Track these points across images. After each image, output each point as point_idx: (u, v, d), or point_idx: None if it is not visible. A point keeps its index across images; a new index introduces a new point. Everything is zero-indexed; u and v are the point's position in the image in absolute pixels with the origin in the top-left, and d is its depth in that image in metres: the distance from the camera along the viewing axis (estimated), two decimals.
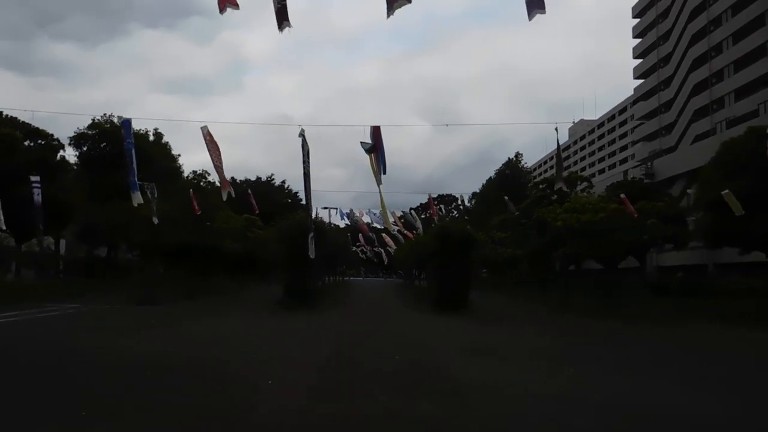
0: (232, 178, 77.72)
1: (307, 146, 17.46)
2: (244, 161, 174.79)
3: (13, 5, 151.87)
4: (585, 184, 37.67)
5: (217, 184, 49.98)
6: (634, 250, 24.23)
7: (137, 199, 20.86)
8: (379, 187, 16.70)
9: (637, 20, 74.47)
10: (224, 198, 18.25)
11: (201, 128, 16.91)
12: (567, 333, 16.85)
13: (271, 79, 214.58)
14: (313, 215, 32.48)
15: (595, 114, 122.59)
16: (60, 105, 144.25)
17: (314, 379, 8.82)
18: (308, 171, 17.61)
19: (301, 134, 17.31)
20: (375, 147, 15.62)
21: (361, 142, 16.14)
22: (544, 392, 8.05)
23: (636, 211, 22.79)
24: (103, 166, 32.22)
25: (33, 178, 24.64)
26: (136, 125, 31.88)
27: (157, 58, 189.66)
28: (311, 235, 17.76)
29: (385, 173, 16.15)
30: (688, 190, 34.98)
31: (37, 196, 24.62)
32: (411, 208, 53.02)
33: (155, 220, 23.20)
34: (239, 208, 38.56)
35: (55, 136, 33.41)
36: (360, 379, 8.93)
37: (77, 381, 8.32)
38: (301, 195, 56.58)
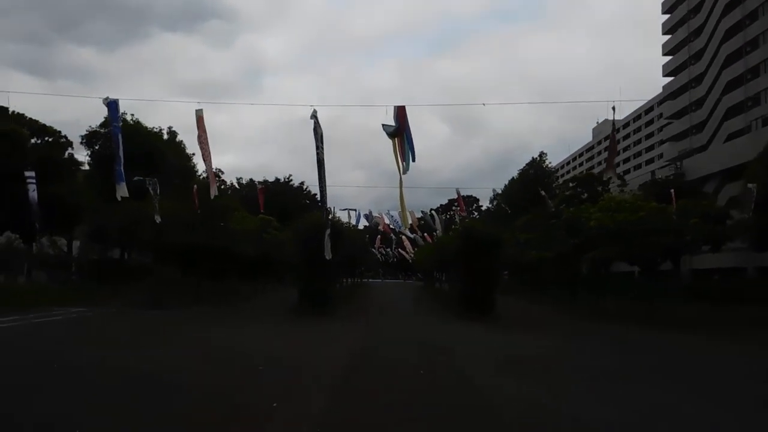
0: (251, 179, 78.20)
1: (321, 129, 15.22)
2: (265, 164, 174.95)
3: (34, 10, 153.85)
4: (618, 182, 35.66)
5: (228, 183, 49.31)
6: (672, 252, 22.41)
7: (122, 191, 19.34)
8: (401, 178, 14.62)
9: (667, 16, 72.12)
10: (212, 194, 16.16)
11: (196, 111, 15.19)
12: (611, 343, 15.22)
13: (289, 83, 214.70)
14: (331, 216, 31.52)
15: (620, 114, 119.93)
16: (79, 109, 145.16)
17: (327, 401, 7.42)
18: (322, 158, 15.36)
19: (314, 116, 15.22)
20: (399, 130, 13.68)
21: (383, 125, 14.15)
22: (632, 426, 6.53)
23: (676, 210, 21.07)
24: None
25: (27, 174, 23.58)
26: (151, 123, 30.65)
27: (176, 62, 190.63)
28: (328, 232, 16.01)
29: (414, 160, 14.05)
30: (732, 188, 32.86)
31: (32, 192, 23.54)
32: (431, 209, 51.58)
33: (158, 219, 22.00)
34: (256, 210, 37.45)
35: (63, 133, 32.40)
36: (379, 407, 7.50)
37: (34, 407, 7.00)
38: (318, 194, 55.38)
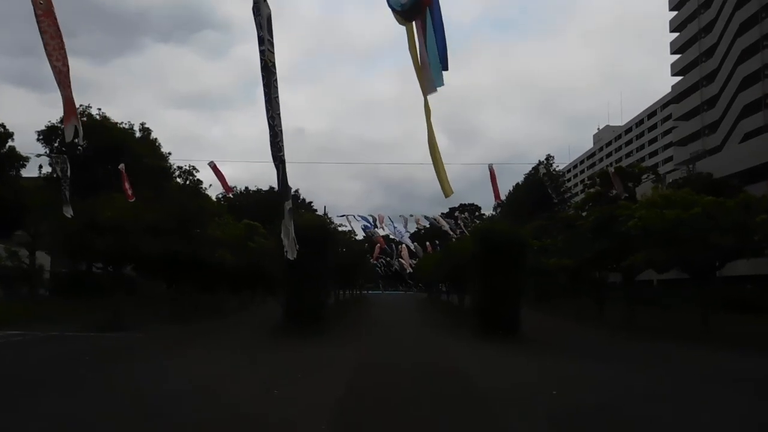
0: (246, 188, 74.57)
1: (268, 9, 9.04)
2: (260, 174, 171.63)
3: (24, 21, 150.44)
4: (651, 176, 32.03)
5: (214, 185, 45.40)
6: (730, 254, 18.78)
7: (68, 212, 16.32)
8: (426, 100, 8.72)
9: (675, 13, 69.11)
10: (67, 138, 9.77)
11: None
12: (688, 370, 11.53)
13: (286, 93, 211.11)
14: (327, 222, 27.75)
15: (621, 120, 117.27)
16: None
17: None
18: (272, 63, 9.16)
19: None
20: (420, 4, 7.73)
21: (388, 3, 8.42)
22: None
23: (736, 205, 17.56)
24: (79, 164, 27.40)
25: None
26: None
27: (171, 73, 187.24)
28: (288, 207, 10.29)
29: (446, 68, 8.30)
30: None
31: None
32: (442, 213, 48.09)
33: (68, 213, 18.38)
34: (251, 219, 33.74)
35: (1, 122, 27.92)
36: None
37: None
38: (317, 205, 51.00)
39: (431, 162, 8.52)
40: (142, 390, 8.75)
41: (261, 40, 8.97)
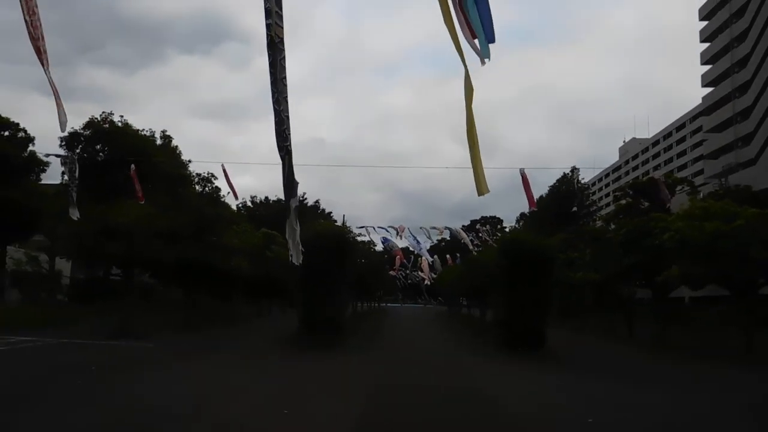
0: (266, 197, 74.36)
1: None
2: (280, 185, 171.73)
3: (55, 33, 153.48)
4: (686, 187, 30.74)
5: (242, 199, 44.99)
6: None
7: (74, 214, 15.79)
8: (466, 69, 7.84)
9: (705, 23, 67.50)
10: (61, 128, 9.15)
11: None
12: (720, 394, 10.47)
13: (306, 104, 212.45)
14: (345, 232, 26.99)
15: (647, 133, 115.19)
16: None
17: None
18: (281, 36, 8.45)
19: None
20: None
21: None
22: None
23: None
24: (99, 171, 27.22)
25: None
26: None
27: (194, 84, 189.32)
28: (294, 205, 9.57)
29: (492, 40, 7.37)
30: None
31: None
32: (463, 226, 47.16)
33: (74, 215, 17.88)
34: (272, 229, 33.22)
35: (22, 126, 27.65)
36: None
37: None
38: (337, 216, 50.42)
39: (469, 155, 7.57)
40: (135, 405, 8.04)
41: (268, 13, 8.09)
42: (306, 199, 73.02)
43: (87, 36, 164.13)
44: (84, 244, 19.24)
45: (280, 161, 8.84)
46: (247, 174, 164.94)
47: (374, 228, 46.90)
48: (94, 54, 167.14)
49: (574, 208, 53.02)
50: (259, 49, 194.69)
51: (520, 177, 20.21)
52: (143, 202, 21.04)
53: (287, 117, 8.58)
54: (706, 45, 67.58)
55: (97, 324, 21.29)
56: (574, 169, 60.08)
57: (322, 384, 10.71)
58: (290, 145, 8.71)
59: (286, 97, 8.54)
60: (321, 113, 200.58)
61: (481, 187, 7.85)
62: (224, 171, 21.98)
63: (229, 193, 36.79)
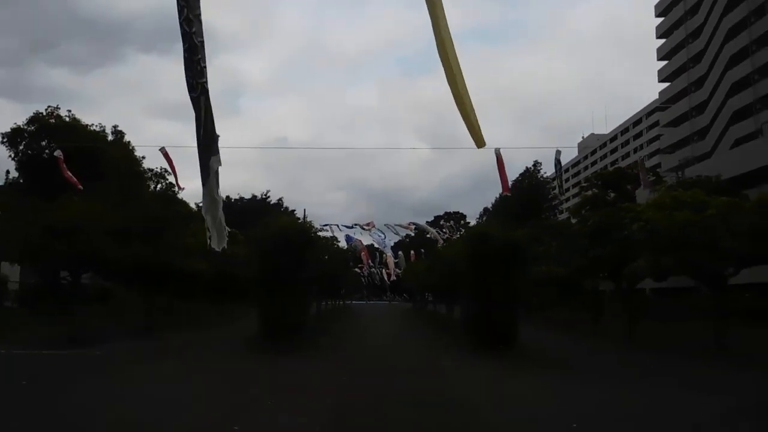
0: (227, 197, 72.38)
1: None
2: (244, 184, 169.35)
3: (7, 32, 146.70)
4: (651, 177, 30.69)
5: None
6: (747, 261, 17.45)
7: None
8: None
9: (661, 19, 68.68)
10: None
11: None
12: (701, 395, 10.05)
13: (269, 103, 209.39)
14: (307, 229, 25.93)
15: (605, 129, 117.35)
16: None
17: None
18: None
19: None
20: None
21: None
22: None
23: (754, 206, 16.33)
24: (44, 168, 25.57)
25: None
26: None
27: (153, 83, 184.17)
28: (216, 167, 7.53)
29: None
30: None
31: None
32: (427, 222, 46.57)
33: None
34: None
35: None
36: None
37: None
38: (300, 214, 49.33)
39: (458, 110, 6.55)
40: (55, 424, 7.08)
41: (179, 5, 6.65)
42: (269, 197, 71.60)
43: (40, 34, 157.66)
44: (25, 244, 17.80)
45: (193, 109, 6.96)
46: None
47: (338, 226, 46.10)
48: (48, 53, 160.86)
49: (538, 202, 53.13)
50: (219, 47, 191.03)
51: (495, 158, 19.48)
52: (90, 199, 19.64)
53: (201, 43, 6.83)
54: (662, 41, 68.77)
55: (45, 331, 19.94)
56: (536, 164, 60.41)
57: (283, 391, 9.86)
58: (206, 82, 6.87)
59: (199, 15, 6.73)
60: (284, 112, 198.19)
61: (479, 140, 7.01)
62: (166, 155, 20.57)
63: (184, 188, 35.36)
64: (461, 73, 6.53)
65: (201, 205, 9.56)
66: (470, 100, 6.70)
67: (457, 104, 6.64)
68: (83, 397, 9.22)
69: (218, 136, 7.53)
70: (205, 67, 6.78)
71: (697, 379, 11.96)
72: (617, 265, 22.78)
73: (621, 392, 10.16)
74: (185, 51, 6.59)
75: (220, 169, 7.64)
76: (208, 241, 7.76)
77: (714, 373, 12.73)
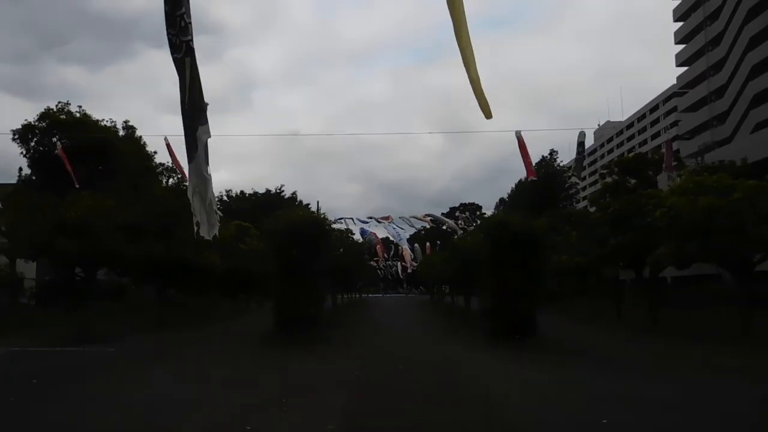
0: (241, 191, 72.40)
1: None
2: (258, 179, 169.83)
3: (19, 30, 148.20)
4: (673, 162, 29.81)
5: (217, 194, 43.48)
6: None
7: None
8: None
9: (678, 2, 67.25)
10: None
11: None
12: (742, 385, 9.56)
13: (280, 96, 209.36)
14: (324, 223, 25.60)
15: (622, 116, 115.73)
16: None
17: None
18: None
19: None
20: None
21: None
22: None
23: None
24: (56, 164, 25.47)
25: None
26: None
27: (165, 78, 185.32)
28: (205, 138, 6.84)
29: None
30: None
31: None
32: (442, 213, 46.16)
33: None
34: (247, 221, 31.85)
35: None
36: None
37: None
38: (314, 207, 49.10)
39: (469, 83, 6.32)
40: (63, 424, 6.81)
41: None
42: (284, 191, 71.38)
43: (52, 31, 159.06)
44: (35, 241, 17.67)
45: (176, 69, 6.15)
46: (221, 169, 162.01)
47: (353, 220, 45.71)
48: (59, 50, 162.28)
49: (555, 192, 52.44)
50: (230, 41, 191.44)
51: (517, 141, 18.90)
52: (101, 195, 19.44)
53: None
54: (679, 24, 67.39)
55: (60, 328, 19.89)
56: (552, 152, 59.60)
57: (298, 387, 9.54)
58: (192, 40, 5.96)
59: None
60: (296, 105, 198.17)
61: (486, 111, 6.78)
62: (168, 146, 20.22)
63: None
64: (467, 30, 6.24)
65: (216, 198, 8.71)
66: (478, 75, 6.46)
67: (469, 78, 6.39)
68: (94, 395, 8.98)
69: (207, 104, 6.81)
70: (190, 23, 5.98)
71: (727, 367, 11.45)
72: (639, 253, 22.24)
73: (650, 382, 9.71)
74: (165, 4, 5.81)
75: (210, 141, 6.80)
76: (195, 228, 6.77)
77: (744, 360, 12.22)
